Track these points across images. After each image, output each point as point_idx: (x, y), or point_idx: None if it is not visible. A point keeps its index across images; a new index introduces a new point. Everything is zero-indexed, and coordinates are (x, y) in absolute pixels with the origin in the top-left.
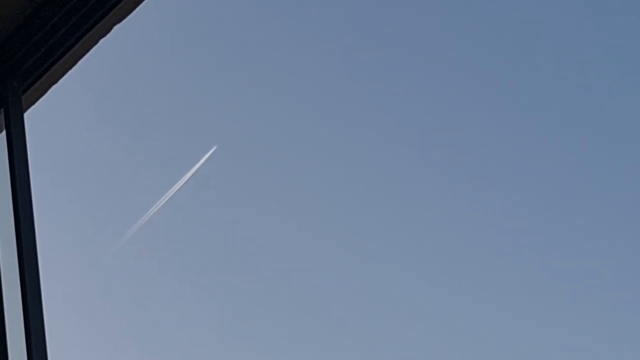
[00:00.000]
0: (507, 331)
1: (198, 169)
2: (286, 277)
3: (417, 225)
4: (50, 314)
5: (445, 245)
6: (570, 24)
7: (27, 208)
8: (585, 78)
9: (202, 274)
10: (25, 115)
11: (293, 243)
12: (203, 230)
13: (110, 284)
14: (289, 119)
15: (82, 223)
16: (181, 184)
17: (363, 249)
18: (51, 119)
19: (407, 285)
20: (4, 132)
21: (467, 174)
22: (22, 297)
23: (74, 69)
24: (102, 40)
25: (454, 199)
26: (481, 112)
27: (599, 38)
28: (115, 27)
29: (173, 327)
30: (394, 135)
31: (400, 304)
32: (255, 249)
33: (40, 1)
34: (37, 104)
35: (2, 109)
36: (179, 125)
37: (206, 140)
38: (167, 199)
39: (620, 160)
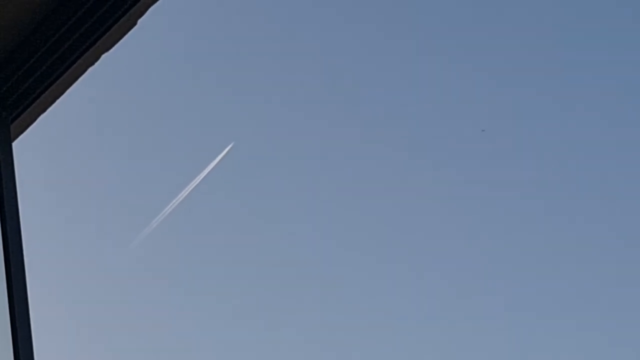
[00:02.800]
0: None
1: (210, 170)
2: (301, 272)
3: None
4: (61, 313)
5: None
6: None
7: (15, 236)
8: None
9: (217, 271)
10: (14, 144)
11: (306, 241)
12: (217, 229)
13: (126, 282)
14: (304, 118)
15: (88, 234)
16: (194, 185)
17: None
18: (40, 147)
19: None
20: None
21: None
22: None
23: (62, 97)
24: (90, 69)
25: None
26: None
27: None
28: (103, 56)
29: (186, 324)
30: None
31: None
32: (271, 248)
33: (27, 32)
34: (25, 133)
35: None
36: (178, 135)
37: (210, 149)
38: (181, 199)
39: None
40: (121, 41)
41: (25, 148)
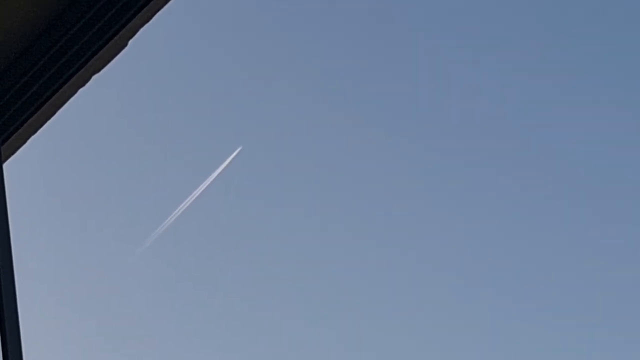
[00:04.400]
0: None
1: (218, 175)
2: (313, 279)
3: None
4: (67, 318)
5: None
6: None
7: (6, 259)
8: None
9: (224, 276)
10: (4, 166)
11: (320, 245)
12: (224, 233)
13: (131, 289)
14: (313, 121)
15: (87, 248)
16: (202, 189)
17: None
18: (31, 169)
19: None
20: None
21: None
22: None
23: (53, 119)
24: (81, 90)
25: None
26: None
27: None
28: (94, 77)
29: (190, 329)
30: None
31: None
32: (281, 252)
33: (17, 54)
34: (16, 154)
35: None
36: (183, 140)
37: (214, 159)
38: (188, 204)
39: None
40: (112, 62)
41: (16, 170)
